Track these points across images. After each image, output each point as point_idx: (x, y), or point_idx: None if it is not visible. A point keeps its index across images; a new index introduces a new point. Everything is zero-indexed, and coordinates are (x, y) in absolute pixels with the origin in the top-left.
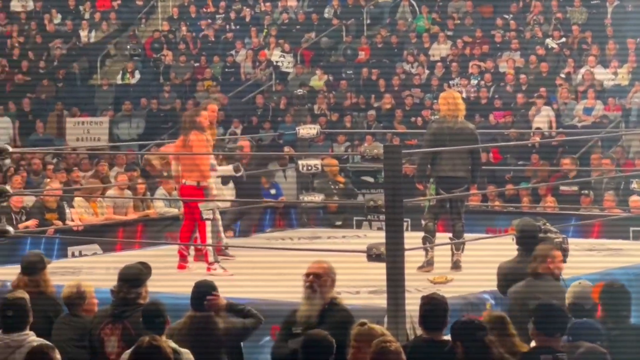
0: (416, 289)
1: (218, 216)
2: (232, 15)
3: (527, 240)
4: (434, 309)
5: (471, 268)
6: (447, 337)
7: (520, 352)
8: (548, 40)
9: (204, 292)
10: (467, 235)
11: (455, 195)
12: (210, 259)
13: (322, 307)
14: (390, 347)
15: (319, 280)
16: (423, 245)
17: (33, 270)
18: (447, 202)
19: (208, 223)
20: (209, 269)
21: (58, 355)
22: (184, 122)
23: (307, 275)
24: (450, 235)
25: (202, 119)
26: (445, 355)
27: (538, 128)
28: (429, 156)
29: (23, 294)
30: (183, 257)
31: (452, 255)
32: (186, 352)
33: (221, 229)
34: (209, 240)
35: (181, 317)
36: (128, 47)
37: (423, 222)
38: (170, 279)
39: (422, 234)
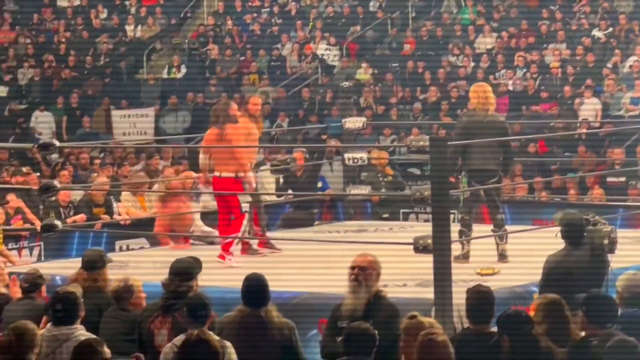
0: (463, 281)
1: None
2: (278, 8)
3: (574, 233)
4: (480, 301)
5: (518, 260)
6: (495, 329)
7: (573, 339)
8: (595, 31)
9: (254, 286)
10: (514, 227)
11: (496, 186)
12: (232, 248)
13: (367, 300)
14: (437, 338)
15: (363, 273)
16: (460, 238)
17: (93, 267)
18: (481, 195)
19: (245, 216)
20: (222, 256)
21: (106, 349)
22: (217, 116)
23: (352, 268)
24: (492, 227)
25: (235, 111)
26: (492, 348)
27: (585, 119)
28: (459, 149)
29: (74, 289)
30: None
31: (497, 246)
32: (229, 347)
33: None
34: (240, 234)
35: (228, 311)
36: (186, 42)
37: (459, 216)
38: (217, 272)
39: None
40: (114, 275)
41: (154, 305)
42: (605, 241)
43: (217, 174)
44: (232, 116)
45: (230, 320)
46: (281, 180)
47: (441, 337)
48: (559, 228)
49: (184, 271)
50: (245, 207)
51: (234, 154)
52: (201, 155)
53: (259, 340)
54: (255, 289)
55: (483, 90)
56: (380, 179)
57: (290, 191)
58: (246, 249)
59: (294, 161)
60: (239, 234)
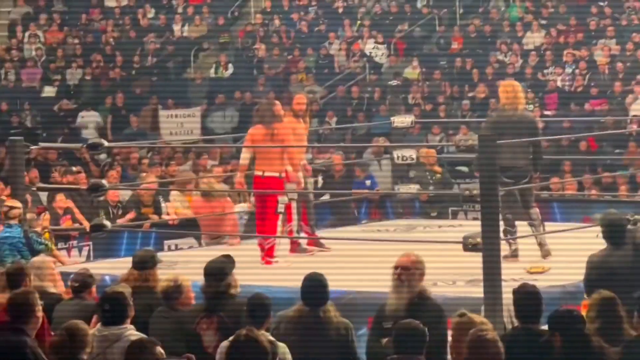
0: (513, 279)
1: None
2: (325, 7)
3: (615, 233)
4: (527, 300)
5: (568, 257)
6: (545, 328)
7: (627, 338)
8: None
9: (314, 285)
10: (563, 225)
11: (529, 186)
12: (275, 252)
13: (410, 300)
14: (486, 335)
15: (406, 273)
16: (504, 237)
17: (144, 266)
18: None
19: (280, 217)
20: (268, 262)
21: (160, 349)
22: (262, 116)
23: (395, 268)
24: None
25: (280, 111)
26: (543, 346)
27: (635, 115)
28: None
29: (123, 288)
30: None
31: (539, 244)
32: (282, 347)
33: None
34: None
35: (277, 311)
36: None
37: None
38: (265, 271)
39: (519, 223)
40: (163, 275)
41: (198, 306)
42: None
43: (259, 173)
44: (277, 116)
45: (288, 320)
46: (320, 181)
47: (491, 334)
48: (599, 228)
49: (217, 271)
50: (281, 208)
51: (283, 154)
52: (244, 154)
53: (317, 339)
54: (315, 289)
55: (512, 86)
56: (429, 177)
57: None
58: (295, 248)
59: (330, 163)
60: (277, 234)
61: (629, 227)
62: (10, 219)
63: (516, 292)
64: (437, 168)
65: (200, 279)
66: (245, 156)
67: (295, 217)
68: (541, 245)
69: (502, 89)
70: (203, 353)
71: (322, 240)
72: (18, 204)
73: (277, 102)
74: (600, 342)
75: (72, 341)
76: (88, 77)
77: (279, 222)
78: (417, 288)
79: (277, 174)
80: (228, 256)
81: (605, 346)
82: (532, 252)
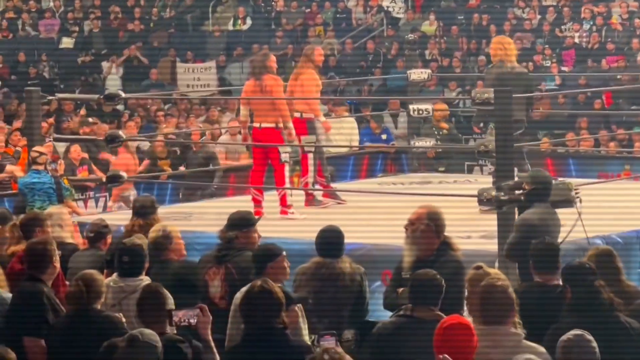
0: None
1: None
2: None
3: (544, 191)
4: (544, 253)
5: (583, 213)
6: (560, 282)
7: (627, 290)
8: None
9: (331, 237)
10: (579, 180)
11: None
12: (288, 202)
13: (423, 255)
14: (496, 282)
15: (412, 227)
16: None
17: (145, 213)
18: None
19: (286, 166)
20: (283, 211)
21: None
22: (254, 67)
23: (408, 221)
24: None
25: (273, 63)
26: (555, 299)
27: None
28: None
29: (141, 240)
30: (258, 203)
31: None
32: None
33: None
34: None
35: (293, 262)
36: None
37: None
38: (281, 224)
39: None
40: (178, 227)
41: (209, 255)
42: (572, 194)
43: (256, 125)
44: (269, 67)
45: (304, 271)
46: None
47: (501, 281)
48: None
49: (241, 222)
50: (284, 157)
51: (274, 105)
52: (241, 109)
53: (332, 289)
54: (331, 241)
55: (508, 42)
56: (435, 132)
57: None
58: (310, 200)
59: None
60: (287, 185)
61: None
62: (39, 164)
63: (534, 245)
64: (443, 124)
65: (214, 230)
66: (242, 112)
67: (311, 169)
68: None
69: (498, 44)
70: (210, 303)
71: (337, 193)
72: (45, 150)
73: (271, 55)
74: (609, 295)
75: (88, 291)
76: (105, 29)
77: (286, 172)
78: (430, 243)
79: (273, 125)
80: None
81: (614, 299)
82: None
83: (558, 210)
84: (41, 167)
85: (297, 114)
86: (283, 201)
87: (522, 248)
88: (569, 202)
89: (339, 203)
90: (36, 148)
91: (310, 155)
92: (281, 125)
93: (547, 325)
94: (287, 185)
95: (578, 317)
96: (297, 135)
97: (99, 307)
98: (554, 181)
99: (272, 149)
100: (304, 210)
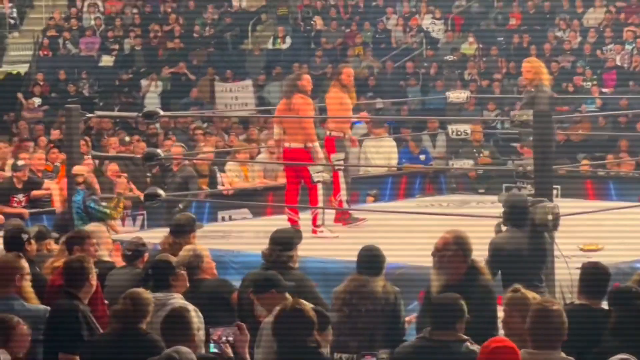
0: (566, 256)
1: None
2: None
3: (517, 215)
4: (594, 277)
5: (623, 236)
6: (605, 306)
7: None
8: None
9: (370, 255)
10: (619, 203)
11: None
12: (318, 222)
13: (452, 280)
14: (551, 306)
15: (439, 253)
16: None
17: (181, 232)
18: None
19: (319, 186)
20: (314, 231)
21: (195, 318)
22: (286, 86)
23: (435, 247)
24: None
25: (305, 83)
26: (599, 322)
27: None
28: None
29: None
30: (294, 223)
31: None
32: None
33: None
34: (321, 204)
35: (330, 281)
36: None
37: None
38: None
39: (571, 200)
40: (216, 245)
41: (253, 274)
42: (550, 217)
43: (286, 145)
44: (299, 86)
45: (341, 290)
46: None
47: (557, 305)
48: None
49: (284, 241)
50: (317, 177)
51: (301, 124)
52: (274, 127)
53: (366, 308)
54: (370, 259)
55: (544, 65)
56: (475, 153)
57: None
58: (347, 219)
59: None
60: (320, 204)
61: (532, 207)
62: (78, 184)
63: (585, 267)
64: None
65: (253, 249)
66: (275, 131)
67: (343, 186)
68: None
69: (542, 68)
70: (255, 322)
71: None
72: (83, 170)
73: (305, 75)
74: None
75: (135, 310)
76: (145, 47)
77: (319, 192)
78: (458, 268)
79: (301, 145)
80: (298, 230)
81: None
82: (587, 228)
83: None
84: (80, 187)
85: (327, 133)
86: (314, 220)
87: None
88: (546, 226)
89: (359, 223)
90: (75, 167)
91: (341, 173)
92: (310, 145)
93: (588, 349)
94: (320, 204)
95: (623, 340)
96: (327, 154)
97: (144, 326)
98: (537, 205)
99: (303, 169)
100: (339, 228)
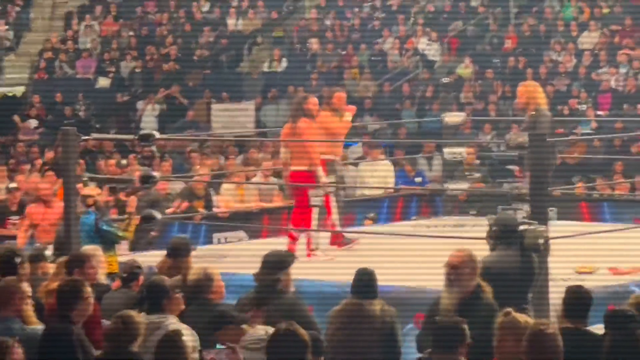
0: (561, 279)
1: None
2: (379, 3)
3: (507, 234)
4: (577, 300)
5: (617, 259)
6: (590, 328)
7: None
8: None
9: (364, 278)
10: (613, 225)
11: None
12: (312, 245)
13: (462, 299)
14: (547, 330)
15: (455, 272)
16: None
17: (178, 254)
18: None
19: (315, 210)
20: (309, 254)
21: (189, 343)
22: (292, 110)
23: (445, 266)
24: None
25: (311, 106)
26: (593, 345)
27: None
28: None
29: (165, 279)
30: (293, 240)
31: None
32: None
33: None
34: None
35: (325, 304)
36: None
37: None
38: (313, 265)
39: (569, 223)
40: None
41: (246, 298)
42: (540, 241)
43: (292, 168)
44: (305, 110)
45: (336, 313)
46: None
47: (552, 328)
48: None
49: (277, 263)
50: (315, 200)
51: (305, 148)
52: (282, 149)
53: (363, 330)
54: (364, 282)
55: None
56: (467, 175)
57: None
58: (341, 241)
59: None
60: (314, 227)
61: (522, 228)
62: (88, 206)
63: (568, 290)
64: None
65: (248, 272)
66: (282, 154)
67: (334, 210)
68: None
69: (542, 93)
70: None
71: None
72: (93, 192)
73: (310, 97)
74: None
75: (125, 330)
76: (142, 69)
77: (314, 215)
78: (469, 286)
79: (304, 168)
80: (291, 252)
81: None
82: (582, 252)
83: None
84: (91, 208)
85: None
86: (309, 244)
87: None
88: (536, 249)
89: (351, 245)
90: (86, 189)
91: (332, 196)
92: (314, 168)
93: None
94: (314, 227)
95: None
96: None
97: (135, 349)
98: (528, 226)
99: (303, 191)
100: (334, 252)
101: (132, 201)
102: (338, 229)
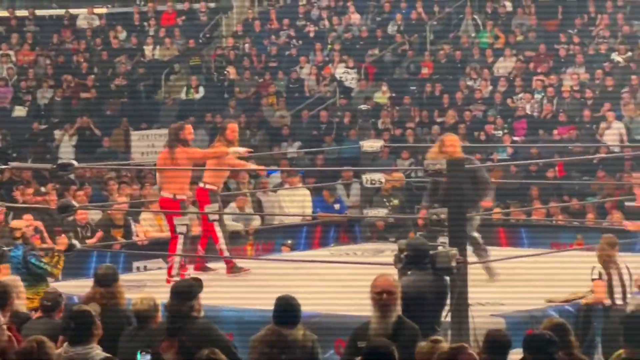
0: (479, 303)
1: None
2: (296, 31)
3: (420, 258)
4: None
5: (536, 283)
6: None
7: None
8: (614, 55)
9: (286, 306)
10: (531, 250)
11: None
12: (173, 272)
13: (393, 322)
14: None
15: (390, 297)
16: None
17: (107, 282)
18: None
19: (180, 237)
20: (168, 280)
21: None
22: (169, 135)
23: (379, 292)
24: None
25: (186, 134)
26: None
27: (604, 143)
28: None
29: (91, 307)
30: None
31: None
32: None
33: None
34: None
35: (247, 330)
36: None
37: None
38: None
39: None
40: (131, 295)
41: (160, 327)
42: (453, 264)
43: (162, 194)
44: (181, 139)
45: (258, 339)
46: None
47: (443, 345)
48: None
49: (184, 291)
50: (181, 228)
51: (175, 176)
52: (157, 175)
53: (284, 357)
54: (285, 309)
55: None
56: (385, 202)
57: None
58: (231, 267)
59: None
60: (177, 254)
61: (433, 252)
62: (16, 239)
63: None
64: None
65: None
66: (157, 176)
67: (220, 236)
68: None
69: (453, 143)
70: None
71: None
72: (20, 224)
73: (188, 126)
74: None
75: (40, 352)
76: (59, 98)
77: (180, 242)
78: (398, 310)
79: (170, 196)
80: (197, 279)
81: None
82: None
83: None
84: (19, 241)
85: (200, 184)
86: (170, 270)
87: None
88: (448, 271)
89: (243, 273)
90: (14, 222)
91: (217, 224)
92: (181, 196)
93: None
94: (178, 253)
95: None
96: (202, 205)
97: None
98: (439, 249)
99: (168, 218)
100: (227, 281)
101: (62, 239)
102: (226, 255)
